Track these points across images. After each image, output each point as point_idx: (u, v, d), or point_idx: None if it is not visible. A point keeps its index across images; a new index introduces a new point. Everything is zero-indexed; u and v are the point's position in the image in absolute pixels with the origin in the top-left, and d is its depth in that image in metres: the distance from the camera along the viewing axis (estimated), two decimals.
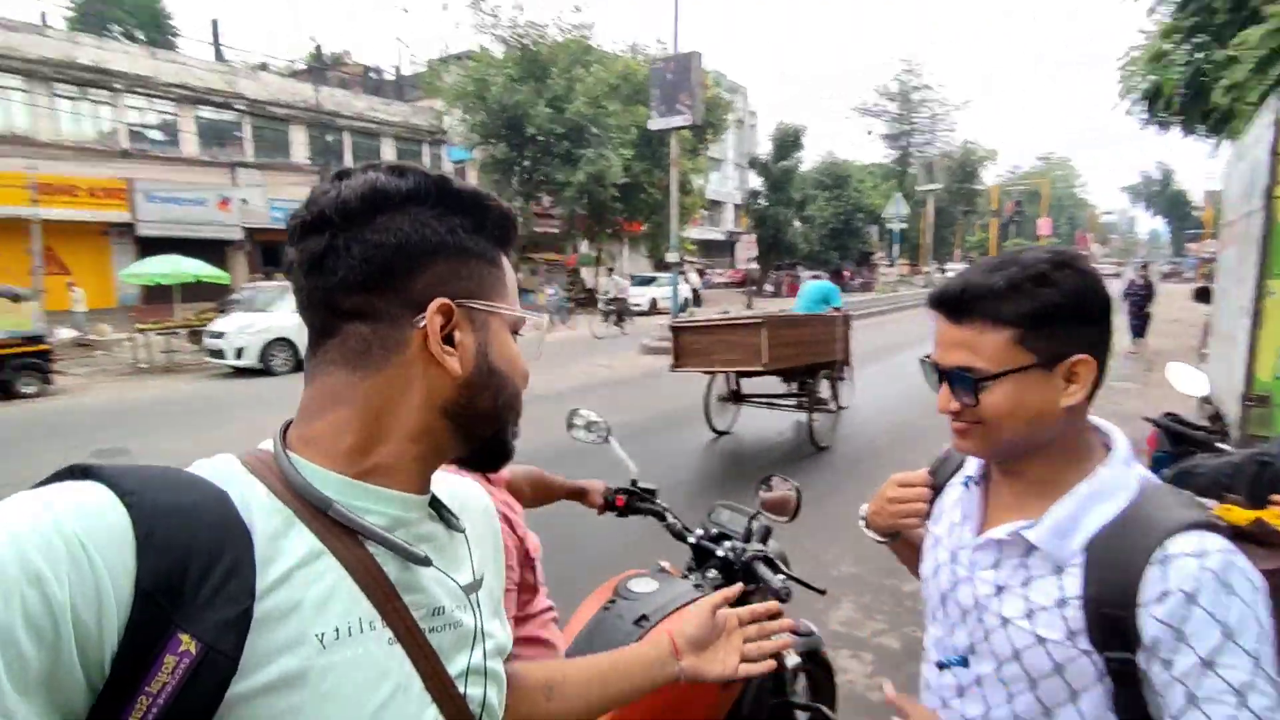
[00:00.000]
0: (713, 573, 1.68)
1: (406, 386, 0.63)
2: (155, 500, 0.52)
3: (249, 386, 11.23)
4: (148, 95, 20.59)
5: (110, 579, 0.48)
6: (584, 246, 28.20)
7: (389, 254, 0.61)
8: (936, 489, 1.15)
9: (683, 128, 16.12)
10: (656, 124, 16.05)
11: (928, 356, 0.97)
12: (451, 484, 0.77)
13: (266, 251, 22.83)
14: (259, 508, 0.57)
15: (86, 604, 0.47)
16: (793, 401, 7.09)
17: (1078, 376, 0.88)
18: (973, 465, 1.08)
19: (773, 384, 7.17)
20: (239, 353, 12.40)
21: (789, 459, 6.67)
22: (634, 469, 1.91)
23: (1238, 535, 1.33)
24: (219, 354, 12.65)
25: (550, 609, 1.46)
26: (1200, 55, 11.96)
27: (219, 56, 25.62)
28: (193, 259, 15.67)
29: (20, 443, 7.54)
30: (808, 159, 37.15)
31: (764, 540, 1.74)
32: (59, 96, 18.99)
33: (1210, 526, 0.84)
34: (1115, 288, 16.98)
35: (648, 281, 25.87)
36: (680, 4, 15.58)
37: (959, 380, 0.90)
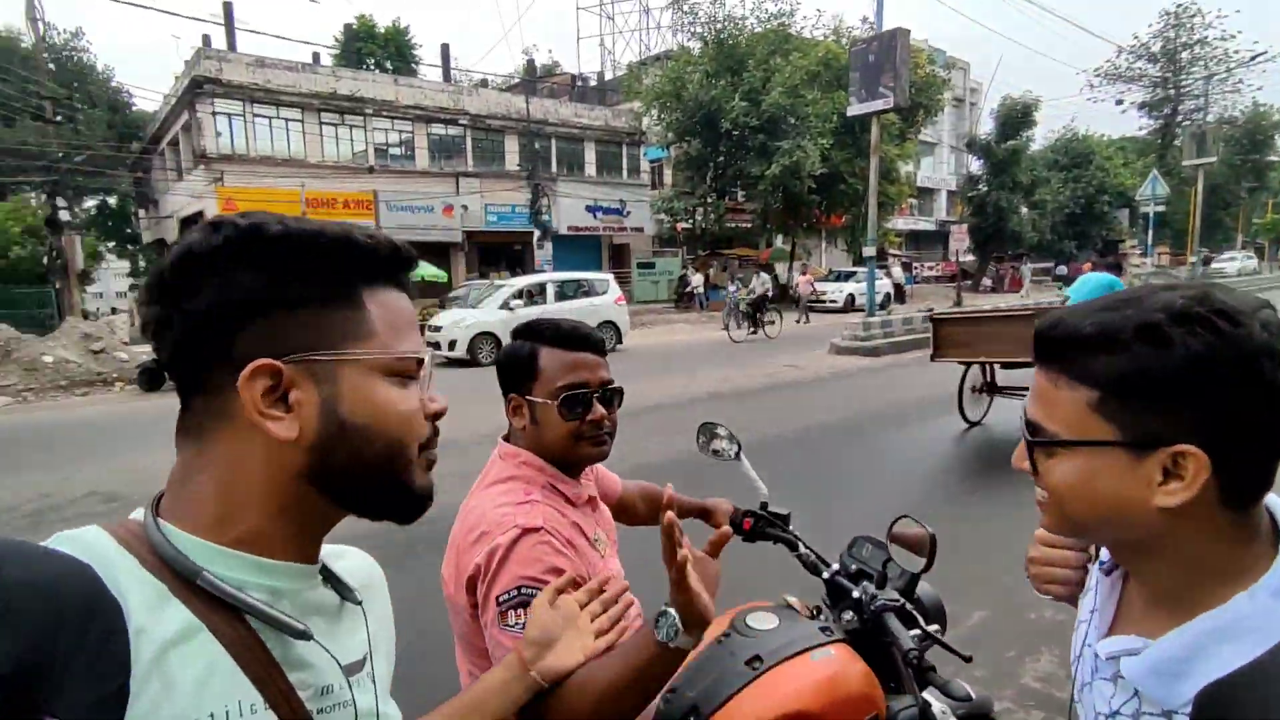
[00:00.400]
0: (848, 614, 1.44)
1: (247, 458, 0.59)
2: (12, 575, 0.47)
3: (457, 376, 12.28)
4: (391, 117, 23.59)
5: None
6: (778, 241, 27.52)
7: (201, 321, 0.58)
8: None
9: (884, 111, 14.97)
10: (855, 110, 15.06)
11: None
12: (345, 552, 0.75)
13: (484, 252, 25.14)
14: (129, 581, 0.53)
15: None
16: None
17: (1182, 471, 0.64)
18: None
19: (1027, 377, 6.77)
20: (451, 345, 13.70)
21: None
22: (764, 490, 1.75)
23: None
24: (436, 345, 14.05)
25: None
26: None
27: (447, 78, 28.59)
28: (419, 261, 17.67)
29: None
30: (1041, 136, 33.05)
31: (908, 588, 1.48)
32: (324, 124, 22.37)
33: None
34: None
35: (845, 277, 24.61)
36: None
37: (1027, 438, 0.74)
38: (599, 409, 1.28)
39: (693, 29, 24.22)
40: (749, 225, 26.31)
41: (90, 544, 0.54)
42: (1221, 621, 0.66)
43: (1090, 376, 0.67)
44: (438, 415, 0.66)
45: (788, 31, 24.00)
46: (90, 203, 28.99)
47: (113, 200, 29.96)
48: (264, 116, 21.39)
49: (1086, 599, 0.87)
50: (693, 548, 0.96)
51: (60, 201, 18.93)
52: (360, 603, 0.69)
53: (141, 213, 28.88)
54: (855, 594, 1.46)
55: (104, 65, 31.34)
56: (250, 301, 0.58)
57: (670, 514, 0.90)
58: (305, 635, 0.58)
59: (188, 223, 22.62)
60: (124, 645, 0.49)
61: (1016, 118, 30.36)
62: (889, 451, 6.59)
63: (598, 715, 0.91)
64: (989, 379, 7.20)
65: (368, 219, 22.15)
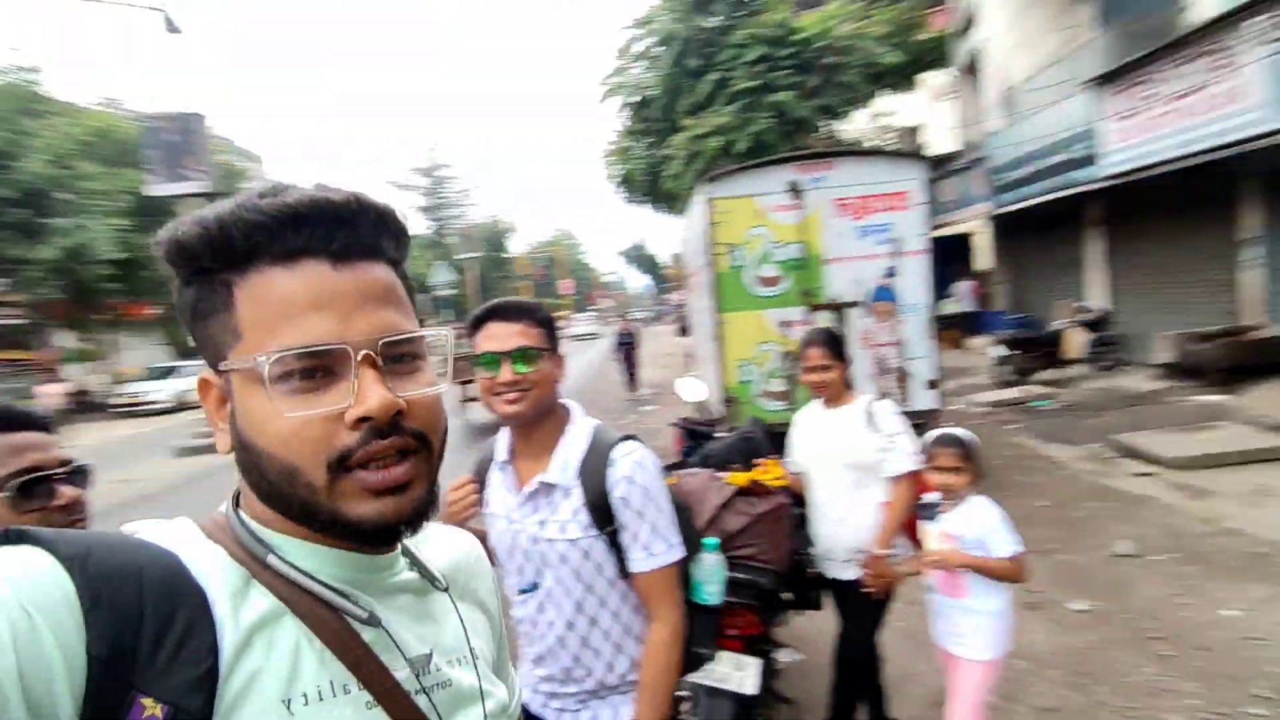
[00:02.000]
0: None
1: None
2: (100, 564, 0.48)
3: None
4: None
5: (59, 647, 0.45)
6: (70, 339, 22.13)
7: (183, 323, 0.59)
8: (481, 482, 1.53)
9: (197, 194, 14.21)
10: (158, 190, 13.82)
11: (477, 355, 1.37)
12: (437, 536, 0.75)
13: None
14: (214, 568, 0.54)
15: (36, 673, 0.44)
16: None
17: (562, 364, 1.43)
18: (501, 451, 1.50)
19: None
20: None
21: None
22: None
23: (743, 492, 1.98)
24: None
25: None
26: (651, 152, 15.73)
27: None
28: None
29: None
30: None
31: None
32: None
33: (632, 438, 1.44)
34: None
35: (167, 373, 21.32)
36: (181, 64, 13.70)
37: (524, 356, 1.34)
38: (65, 492, 1.07)
39: None
40: (18, 322, 20.36)
41: (179, 535, 0.56)
42: (572, 434, 1.42)
43: (537, 320, 1.38)
44: (365, 420, 0.54)
45: (35, 91, 19.82)
46: None
47: None
48: None
49: (495, 496, 1.49)
50: None
51: None
52: (447, 589, 0.68)
53: None
54: None
55: None
56: (182, 309, 0.58)
57: None
58: (372, 622, 0.58)
59: None
60: (210, 630, 0.51)
61: None
62: None
63: None
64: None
65: None
